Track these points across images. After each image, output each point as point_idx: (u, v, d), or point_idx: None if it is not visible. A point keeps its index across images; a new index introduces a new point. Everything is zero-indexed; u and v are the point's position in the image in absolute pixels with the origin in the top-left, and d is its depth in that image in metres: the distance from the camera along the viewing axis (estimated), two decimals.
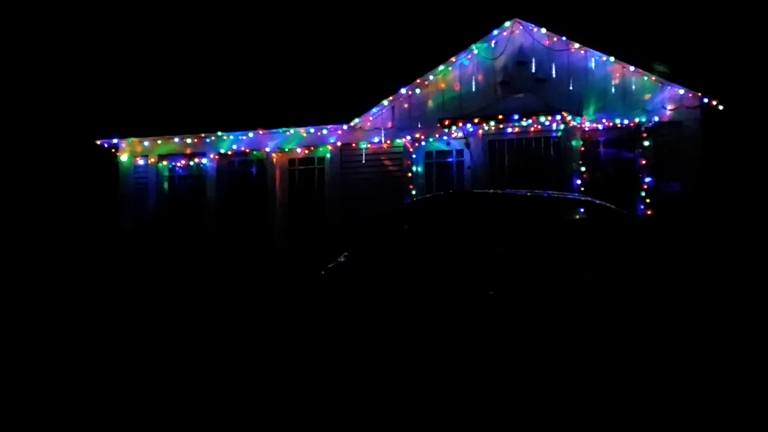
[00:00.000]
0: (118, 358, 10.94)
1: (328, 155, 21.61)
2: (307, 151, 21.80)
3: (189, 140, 22.39)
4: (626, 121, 19.02)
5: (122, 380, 9.56)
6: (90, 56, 30.80)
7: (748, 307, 9.40)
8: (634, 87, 19.19)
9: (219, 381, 9.44)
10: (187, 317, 14.21)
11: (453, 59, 20.41)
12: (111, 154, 23.50)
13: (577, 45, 19.53)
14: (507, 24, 19.99)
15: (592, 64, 19.49)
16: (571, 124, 19.04)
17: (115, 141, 23.14)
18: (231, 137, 22.11)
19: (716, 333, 9.01)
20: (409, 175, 20.60)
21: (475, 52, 20.28)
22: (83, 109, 28.62)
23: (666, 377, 8.50)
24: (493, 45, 20.20)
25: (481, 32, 20.23)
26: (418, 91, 20.71)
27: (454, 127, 19.71)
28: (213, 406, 8.35)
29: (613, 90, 19.36)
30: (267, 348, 11.03)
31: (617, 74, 19.31)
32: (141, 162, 23.06)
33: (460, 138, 20.06)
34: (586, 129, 19.34)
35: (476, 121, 19.38)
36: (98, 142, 23.35)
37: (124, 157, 23.22)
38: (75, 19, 31.43)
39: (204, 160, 22.52)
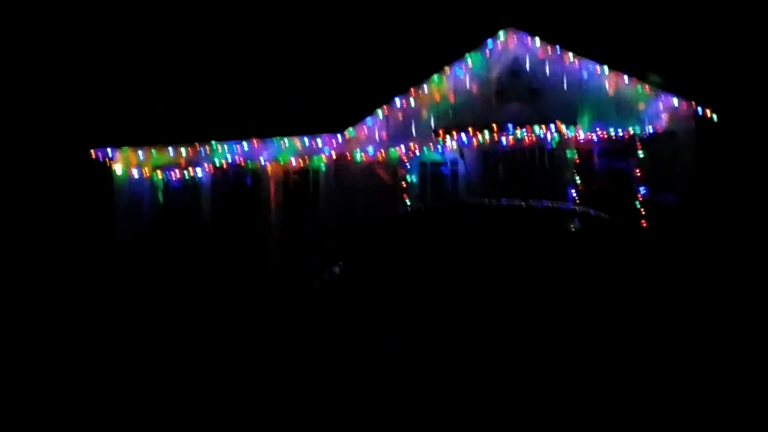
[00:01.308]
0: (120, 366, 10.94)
1: (323, 166, 21.59)
2: (301, 162, 21.77)
3: (183, 150, 22.34)
4: (620, 131, 19.02)
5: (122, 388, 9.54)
6: (83, 65, 30.72)
7: (744, 317, 9.40)
8: (628, 97, 19.20)
9: (211, 393, 9.39)
10: (184, 330, 14.18)
11: (447, 69, 20.41)
12: (104, 165, 23.43)
13: (571, 55, 19.54)
14: (501, 34, 20.00)
15: (587, 74, 19.49)
16: (565, 134, 19.06)
17: (108, 151, 23.08)
18: (225, 147, 22.07)
19: (711, 343, 9.01)
20: (404, 185, 20.56)
21: (470, 62, 20.28)
22: (76, 119, 28.52)
23: (656, 385, 8.50)
24: (487, 55, 20.22)
25: (475, 42, 20.25)
26: (412, 101, 20.70)
27: (448, 137, 19.73)
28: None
29: (607, 100, 19.36)
30: (261, 356, 11.00)
31: (611, 84, 19.32)
32: (135, 172, 22.99)
33: (455, 148, 20.07)
34: (581, 139, 19.34)
35: (470, 131, 19.40)
36: (92, 153, 23.27)
37: (118, 168, 23.16)
38: (68, 28, 31.38)
39: (198, 171, 22.46)
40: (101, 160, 23.31)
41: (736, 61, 21.65)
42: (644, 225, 18.47)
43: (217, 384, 9.83)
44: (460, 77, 20.43)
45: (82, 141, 24.25)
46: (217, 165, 22.34)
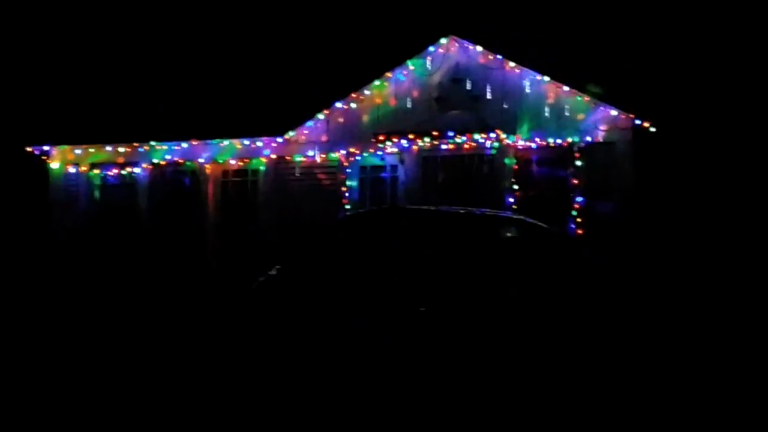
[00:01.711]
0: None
1: (263, 167, 21.49)
2: (241, 163, 21.66)
3: (121, 149, 22.12)
4: (559, 141, 19.16)
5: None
6: (22, 62, 30.33)
7: (674, 324, 9.56)
8: (567, 107, 19.35)
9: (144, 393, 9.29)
10: (115, 328, 14.02)
11: (389, 74, 20.42)
12: (41, 162, 23.14)
13: (512, 64, 19.64)
14: (443, 41, 20.06)
15: (527, 83, 19.61)
16: (505, 142, 19.15)
17: (46, 148, 22.77)
18: (164, 147, 21.90)
19: (643, 350, 9.13)
20: (343, 189, 20.53)
21: (411, 67, 20.32)
22: (13, 116, 28.14)
23: (588, 392, 8.59)
24: (429, 61, 20.26)
25: (417, 48, 20.28)
26: (353, 105, 20.70)
27: (388, 143, 19.73)
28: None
29: (547, 109, 19.49)
30: (195, 358, 10.93)
31: (551, 94, 19.46)
32: (72, 170, 22.72)
33: (395, 153, 20.09)
34: (520, 147, 19.46)
35: (411, 136, 19.41)
36: (29, 149, 22.96)
37: (54, 165, 22.88)
38: (6, 25, 30.95)
39: (136, 170, 22.27)
40: (38, 155, 23.01)
41: (673, 74, 21.94)
42: (580, 233, 18.62)
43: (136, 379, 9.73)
44: (401, 83, 20.45)
45: (19, 137, 23.92)
46: (156, 164, 22.16)
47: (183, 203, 22.15)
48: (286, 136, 20.97)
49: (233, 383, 9.36)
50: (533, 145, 19.41)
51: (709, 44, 22.83)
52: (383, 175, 20.71)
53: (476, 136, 19.01)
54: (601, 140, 19.06)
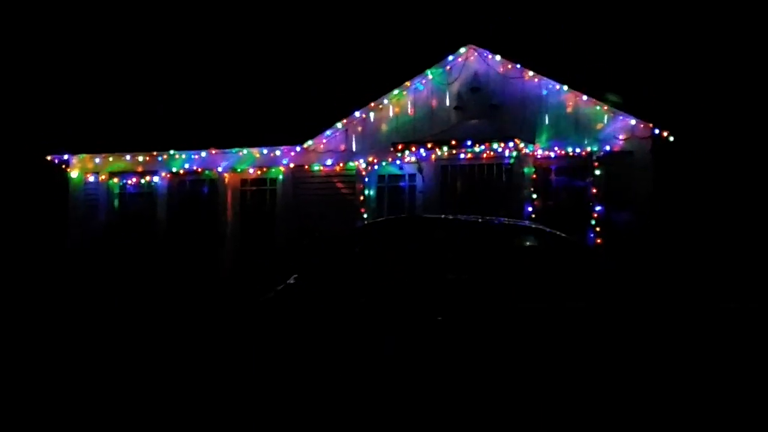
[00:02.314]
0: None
1: (281, 176, 21.51)
2: (259, 172, 21.69)
3: (141, 158, 22.22)
4: (578, 150, 19.07)
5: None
6: (42, 71, 30.49)
7: (693, 334, 9.48)
8: (586, 116, 19.26)
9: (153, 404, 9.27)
10: (130, 336, 14.03)
11: (408, 84, 20.43)
12: (61, 170, 23.25)
13: (531, 73, 19.60)
14: (462, 50, 20.04)
15: (546, 93, 19.54)
16: (523, 151, 19.09)
17: (65, 157, 22.89)
18: (183, 156, 21.98)
19: (662, 362, 9.06)
20: (362, 198, 20.54)
21: (430, 77, 20.32)
22: (34, 124, 28.30)
23: (613, 404, 8.53)
24: (447, 70, 20.25)
25: (436, 57, 20.28)
26: (372, 114, 20.71)
27: (407, 152, 19.70)
28: None
29: (565, 118, 19.42)
30: (210, 370, 10.92)
31: (570, 103, 19.38)
32: (91, 178, 22.82)
33: (413, 162, 20.06)
34: (539, 156, 19.39)
35: (429, 145, 19.37)
36: (49, 158, 23.08)
37: (74, 173, 22.98)
38: (28, 34, 31.13)
39: (155, 179, 22.34)
40: (58, 164, 23.12)
41: (691, 84, 21.86)
42: (599, 243, 18.55)
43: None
44: (420, 91, 20.45)
45: (40, 146, 24.05)
46: (175, 173, 22.21)
47: (201, 212, 22.22)
48: (305, 145, 21.01)
49: (250, 391, 9.33)
50: (552, 155, 19.33)
51: (728, 54, 22.75)
52: (401, 184, 20.70)
53: (495, 146, 18.94)
54: (620, 149, 18.95)
